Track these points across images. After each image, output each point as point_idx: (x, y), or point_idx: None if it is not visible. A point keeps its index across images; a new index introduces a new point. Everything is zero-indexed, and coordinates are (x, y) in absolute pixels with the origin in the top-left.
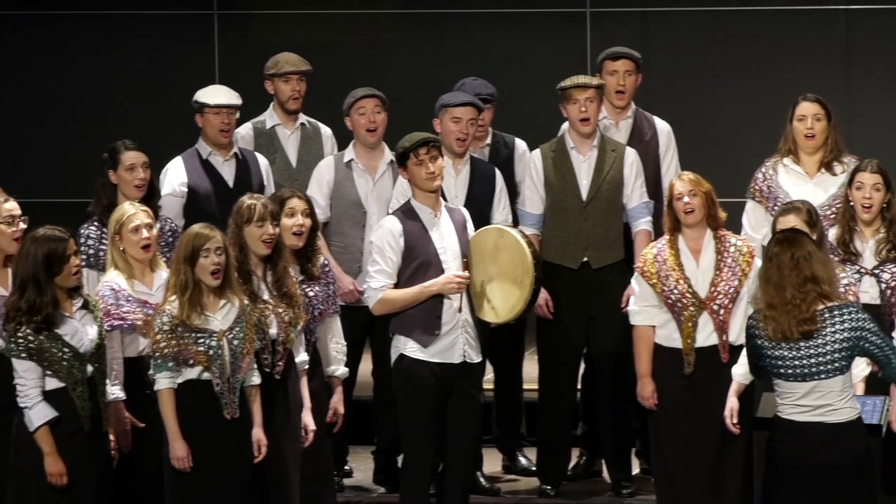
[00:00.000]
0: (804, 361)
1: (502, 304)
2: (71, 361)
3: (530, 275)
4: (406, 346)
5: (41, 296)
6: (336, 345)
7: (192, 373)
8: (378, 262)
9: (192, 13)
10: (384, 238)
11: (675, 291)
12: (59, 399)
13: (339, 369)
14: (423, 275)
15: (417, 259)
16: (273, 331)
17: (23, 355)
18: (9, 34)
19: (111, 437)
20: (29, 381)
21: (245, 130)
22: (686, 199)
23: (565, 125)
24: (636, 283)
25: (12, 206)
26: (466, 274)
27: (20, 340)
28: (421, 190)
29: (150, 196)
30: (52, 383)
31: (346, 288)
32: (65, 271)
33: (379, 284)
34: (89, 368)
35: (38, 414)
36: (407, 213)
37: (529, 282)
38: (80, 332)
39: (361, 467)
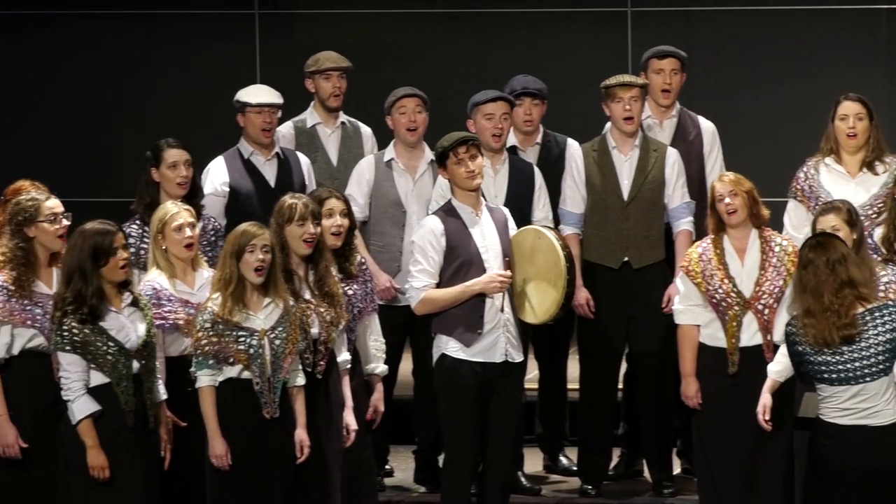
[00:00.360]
0: (848, 365)
1: (539, 304)
2: (116, 356)
3: (563, 277)
4: (448, 346)
5: (87, 286)
6: (375, 342)
7: (232, 371)
8: (420, 261)
9: (234, 13)
10: (426, 238)
11: (720, 291)
12: (103, 394)
13: (379, 367)
14: (464, 274)
15: (459, 258)
16: (314, 330)
17: (67, 348)
18: (51, 33)
19: (163, 436)
20: (73, 374)
21: (286, 129)
22: (727, 199)
23: (609, 124)
24: (681, 283)
25: (54, 204)
26: (509, 273)
27: (65, 333)
28: (461, 189)
29: (193, 194)
30: (97, 378)
31: (382, 286)
32: (111, 264)
33: (421, 284)
34: (135, 365)
35: (80, 407)
36: (448, 213)
37: (563, 284)
38: (128, 327)
39: (402, 467)
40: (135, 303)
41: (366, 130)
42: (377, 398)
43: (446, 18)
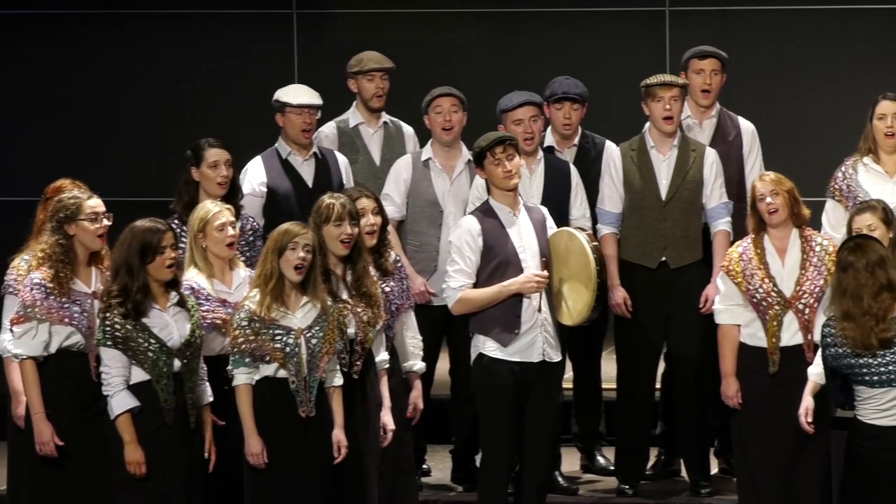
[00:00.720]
0: (889, 367)
1: (573, 306)
2: (157, 354)
3: (593, 280)
4: (485, 346)
5: (132, 282)
6: (413, 339)
7: (268, 369)
8: (457, 261)
9: (272, 12)
10: (463, 238)
11: (760, 290)
12: (143, 391)
13: (417, 364)
14: (501, 274)
15: (496, 258)
16: (351, 330)
17: (108, 343)
18: (89, 33)
19: (207, 437)
20: (113, 369)
21: (328, 129)
22: (769, 199)
23: (648, 124)
24: (721, 282)
25: (96, 203)
26: (545, 273)
27: (107, 328)
28: (499, 189)
29: (232, 194)
30: (138, 375)
31: (417, 289)
32: (157, 262)
33: (458, 284)
34: (176, 363)
35: (119, 402)
36: (485, 213)
37: (593, 287)
38: (171, 326)
39: (440, 466)
40: (181, 303)
41: (408, 130)
42: (416, 395)
43: (483, 18)
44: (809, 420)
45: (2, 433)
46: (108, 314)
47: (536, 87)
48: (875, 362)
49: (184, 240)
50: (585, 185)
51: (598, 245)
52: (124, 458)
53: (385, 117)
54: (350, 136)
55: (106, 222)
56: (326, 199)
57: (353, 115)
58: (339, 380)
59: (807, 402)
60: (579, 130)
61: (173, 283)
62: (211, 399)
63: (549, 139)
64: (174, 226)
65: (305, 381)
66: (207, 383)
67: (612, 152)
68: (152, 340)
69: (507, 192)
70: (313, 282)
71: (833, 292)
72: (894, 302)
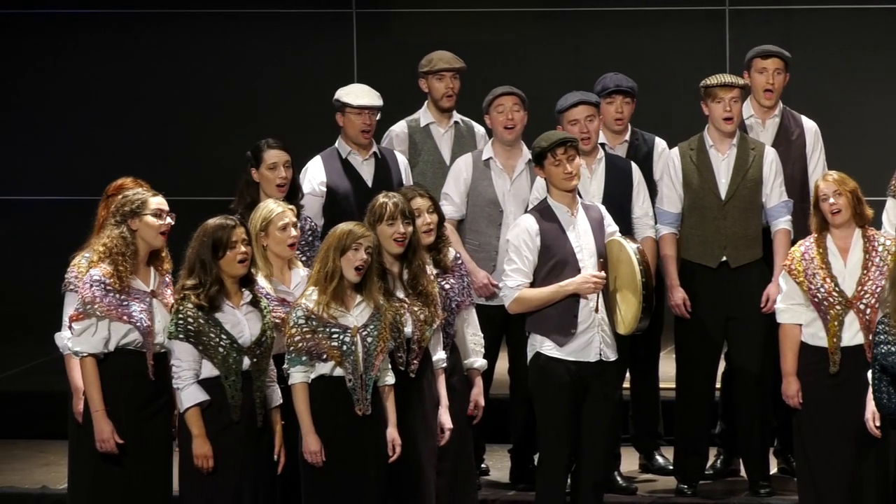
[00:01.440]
0: None
1: (625, 315)
2: (227, 350)
3: (639, 292)
4: (542, 345)
5: (206, 276)
6: (474, 336)
7: (324, 368)
8: (515, 260)
9: (331, 11)
10: (521, 237)
11: (822, 290)
12: (211, 387)
13: (478, 361)
14: (558, 274)
15: (554, 258)
16: (408, 329)
17: (181, 336)
18: (151, 32)
19: (276, 439)
20: (184, 362)
21: (399, 129)
22: (832, 199)
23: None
24: (783, 281)
25: (160, 201)
26: (603, 274)
27: (180, 321)
28: (558, 190)
29: (293, 195)
30: (207, 371)
31: (480, 282)
32: (229, 256)
33: (515, 283)
34: (246, 361)
35: (188, 395)
36: (543, 212)
37: (639, 300)
38: (242, 324)
39: (498, 465)
40: (254, 303)
41: (479, 130)
42: (477, 393)
43: (543, 16)
44: (877, 424)
45: (63, 432)
46: (181, 307)
47: (594, 86)
48: None
49: None
50: None
51: (645, 257)
52: (191, 451)
53: (456, 117)
54: (421, 136)
55: (169, 221)
56: (380, 198)
57: (424, 115)
58: (391, 378)
59: (872, 406)
60: (629, 127)
61: (247, 282)
62: (280, 401)
63: (601, 136)
64: None
65: (362, 379)
66: (277, 386)
67: (671, 152)
68: (223, 336)
69: (566, 192)
70: (368, 281)
71: (892, 288)
72: None
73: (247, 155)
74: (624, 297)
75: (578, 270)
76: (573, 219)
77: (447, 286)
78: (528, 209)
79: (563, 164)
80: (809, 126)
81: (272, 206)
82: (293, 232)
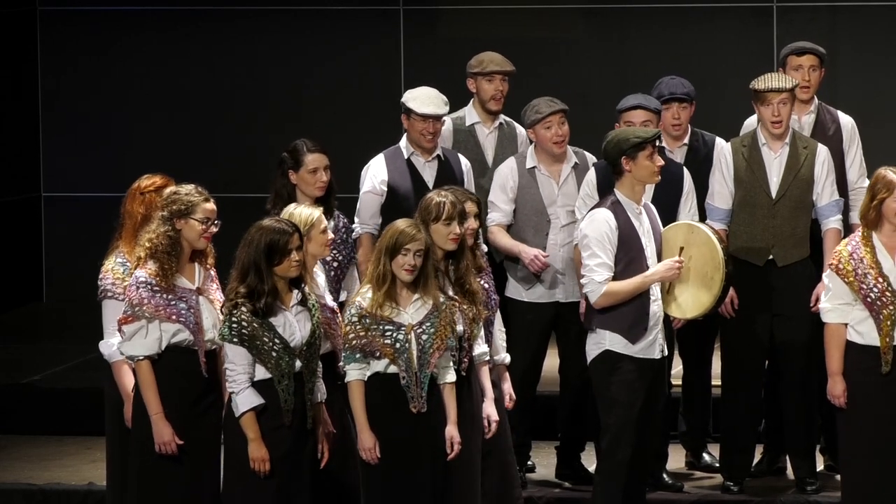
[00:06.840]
0: None
1: (690, 300)
2: (280, 353)
3: (721, 271)
4: (612, 342)
5: (262, 284)
6: (500, 332)
7: (379, 365)
8: (598, 255)
9: (378, 8)
10: (602, 230)
11: (875, 290)
12: (264, 391)
13: (507, 357)
14: (625, 267)
15: (629, 253)
16: (460, 327)
17: (234, 340)
18: (197, 30)
19: (321, 437)
20: (238, 366)
21: (444, 125)
22: None
23: (752, 117)
24: (829, 281)
25: (210, 208)
26: (683, 259)
27: (234, 325)
28: (641, 184)
29: (328, 195)
30: (260, 374)
31: (529, 256)
32: (284, 264)
33: (602, 277)
34: (297, 363)
35: (244, 400)
36: (615, 207)
37: (720, 278)
38: (294, 325)
39: (544, 462)
40: (303, 302)
41: (521, 132)
42: (509, 386)
43: (589, 14)
44: None
45: (99, 430)
46: (234, 311)
47: (642, 84)
48: None
49: None
50: (696, 183)
51: (722, 236)
52: (244, 454)
53: (501, 118)
54: (465, 134)
55: (213, 228)
56: (435, 197)
57: (470, 114)
58: (451, 376)
59: None
60: (689, 129)
61: (297, 281)
62: (325, 397)
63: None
64: None
65: (416, 376)
66: (322, 382)
67: (723, 148)
68: (276, 340)
69: (638, 186)
70: (425, 279)
71: None
72: None
73: (283, 156)
74: (692, 280)
75: (645, 264)
76: (640, 215)
77: (486, 286)
78: (580, 206)
79: (655, 159)
80: (846, 121)
81: (310, 210)
82: (331, 234)
